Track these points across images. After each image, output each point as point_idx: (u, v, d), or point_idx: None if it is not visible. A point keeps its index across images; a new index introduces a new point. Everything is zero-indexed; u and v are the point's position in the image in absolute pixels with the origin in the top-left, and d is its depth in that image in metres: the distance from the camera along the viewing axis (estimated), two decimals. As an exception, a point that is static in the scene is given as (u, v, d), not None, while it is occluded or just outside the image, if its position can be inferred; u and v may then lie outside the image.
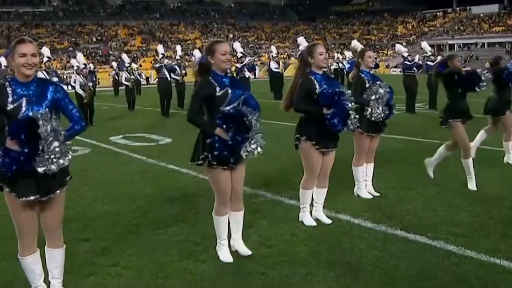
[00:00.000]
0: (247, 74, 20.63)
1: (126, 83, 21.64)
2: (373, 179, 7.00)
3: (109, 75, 39.06)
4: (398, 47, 19.42)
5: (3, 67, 14.39)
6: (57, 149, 3.54)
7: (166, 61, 19.28)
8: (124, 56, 28.91)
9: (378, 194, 6.85)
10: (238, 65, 20.64)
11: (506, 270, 4.44)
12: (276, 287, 4.30)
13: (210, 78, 4.59)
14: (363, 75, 6.58)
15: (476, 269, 4.48)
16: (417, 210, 6.21)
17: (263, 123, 4.96)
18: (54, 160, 3.55)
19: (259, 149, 4.55)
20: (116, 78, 32.45)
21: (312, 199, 5.93)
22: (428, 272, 4.45)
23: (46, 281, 4.13)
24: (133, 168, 9.46)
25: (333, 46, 69.98)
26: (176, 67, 19.97)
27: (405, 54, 17.92)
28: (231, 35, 69.41)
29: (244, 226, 5.08)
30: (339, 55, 34.27)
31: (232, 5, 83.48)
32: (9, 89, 3.68)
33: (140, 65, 47.85)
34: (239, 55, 21.47)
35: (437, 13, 77.03)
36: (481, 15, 70.34)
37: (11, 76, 3.79)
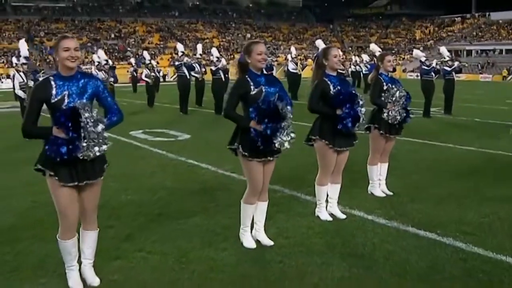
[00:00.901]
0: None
1: (146, 79, 22.03)
2: (387, 179, 7.21)
3: (127, 71, 39.45)
4: (416, 52, 19.47)
5: (24, 60, 15.08)
6: (95, 137, 3.87)
7: (186, 59, 19.52)
8: (145, 53, 29.34)
9: (391, 193, 7.06)
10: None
11: (512, 267, 4.65)
12: (293, 274, 4.53)
13: (246, 76, 4.87)
14: (381, 78, 6.83)
15: (483, 264, 4.68)
16: (428, 209, 6.40)
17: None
18: (90, 146, 3.87)
19: (290, 138, 4.74)
20: (135, 74, 32.87)
21: (327, 195, 6.17)
22: (437, 266, 4.67)
23: (78, 261, 4.35)
24: (153, 162, 9.72)
25: (350, 48, 69.95)
26: (196, 65, 20.17)
27: (423, 59, 17.92)
28: (248, 35, 69.62)
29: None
30: (356, 58, 34.40)
31: (250, 5, 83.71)
32: (53, 83, 3.97)
33: (158, 63, 48.19)
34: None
35: (456, 19, 76.59)
36: (500, 21, 69.81)
37: (54, 72, 4.09)
